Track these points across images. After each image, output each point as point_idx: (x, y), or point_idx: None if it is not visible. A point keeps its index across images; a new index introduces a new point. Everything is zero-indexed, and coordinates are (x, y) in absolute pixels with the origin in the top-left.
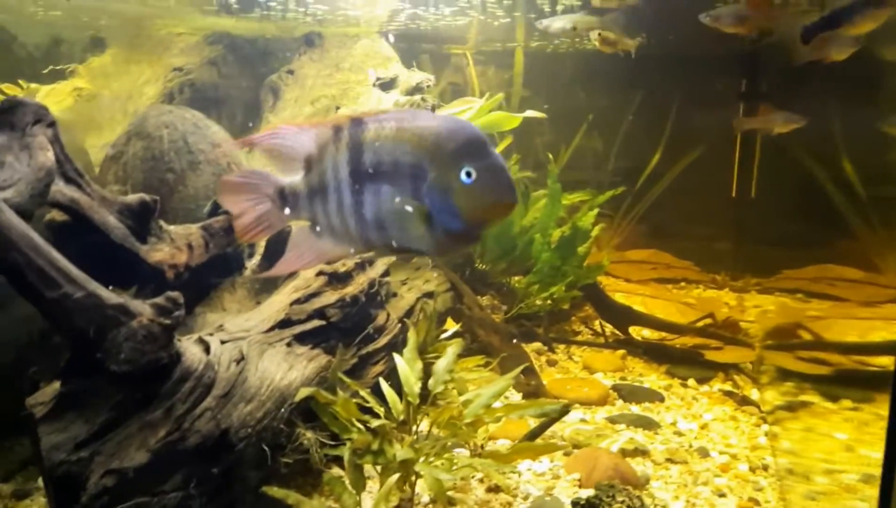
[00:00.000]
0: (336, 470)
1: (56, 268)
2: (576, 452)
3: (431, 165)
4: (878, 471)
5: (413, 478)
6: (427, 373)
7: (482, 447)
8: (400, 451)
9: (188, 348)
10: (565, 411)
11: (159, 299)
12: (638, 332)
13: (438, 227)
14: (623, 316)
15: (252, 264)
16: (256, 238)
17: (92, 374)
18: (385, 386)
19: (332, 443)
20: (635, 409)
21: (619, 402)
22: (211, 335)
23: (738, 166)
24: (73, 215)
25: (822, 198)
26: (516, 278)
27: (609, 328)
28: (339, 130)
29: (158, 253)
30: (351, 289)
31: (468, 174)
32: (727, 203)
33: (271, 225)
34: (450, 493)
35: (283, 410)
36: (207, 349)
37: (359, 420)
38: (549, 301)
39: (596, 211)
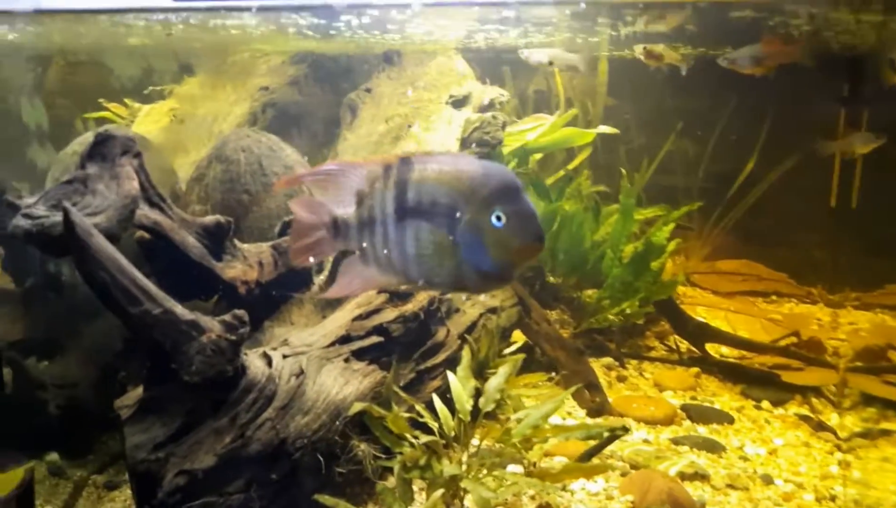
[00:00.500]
0: (391, 481)
1: (138, 287)
2: (632, 473)
3: (466, 206)
4: None
5: (462, 493)
6: (481, 390)
7: (534, 465)
8: (448, 467)
9: (253, 361)
10: (613, 437)
11: (227, 317)
12: (716, 349)
13: (470, 266)
14: (699, 333)
15: (319, 280)
16: (306, 262)
17: (169, 382)
18: (438, 402)
19: (386, 456)
20: (702, 430)
21: (687, 422)
22: (275, 349)
23: (839, 173)
24: (156, 235)
25: None
26: (587, 292)
27: (685, 344)
28: (388, 168)
29: (232, 270)
30: (411, 306)
31: (498, 218)
32: (826, 212)
33: (322, 252)
34: None
35: (337, 423)
36: (270, 363)
37: (410, 435)
38: (620, 317)
39: (671, 226)
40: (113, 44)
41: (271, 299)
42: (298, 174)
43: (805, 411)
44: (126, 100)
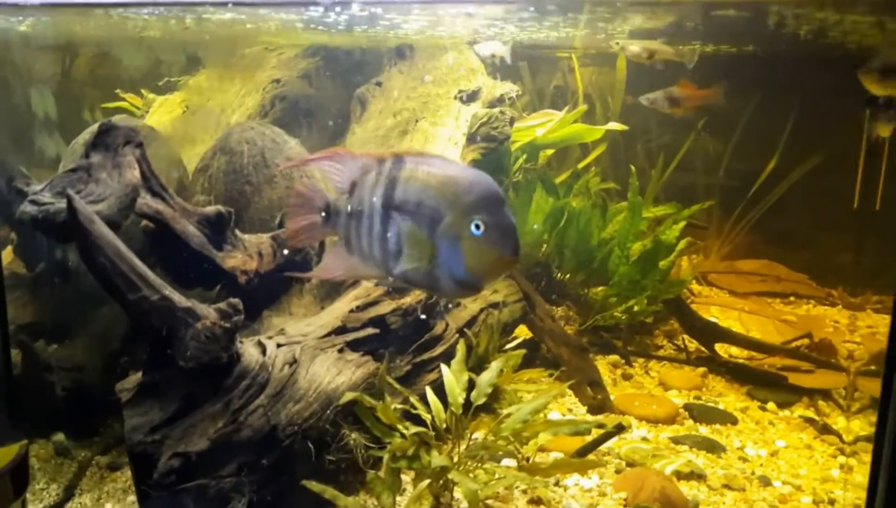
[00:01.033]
0: (382, 470)
1: (137, 273)
2: (626, 471)
3: (447, 211)
4: None
5: (451, 485)
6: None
7: (528, 459)
8: (436, 458)
9: (247, 349)
10: (608, 434)
11: (222, 305)
12: (725, 350)
13: (444, 270)
14: (708, 332)
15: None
16: (299, 244)
17: (167, 367)
18: (431, 395)
19: (377, 446)
20: (703, 430)
21: (689, 422)
22: (270, 338)
23: (862, 174)
24: (157, 224)
25: None
26: (594, 289)
27: (693, 344)
28: (382, 162)
29: (232, 260)
30: (409, 300)
31: (477, 226)
32: (849, 214)
33: (313, 236)
34: (490, 501)
35: (328, 412)
36: (264, 351)
37: (401, 426)
38: (627, 315)
39: (682, 225)
40: (122, 35)
41: (271, 290)
42: (302, 159)
43: (811, 413)
44: (142, 90)
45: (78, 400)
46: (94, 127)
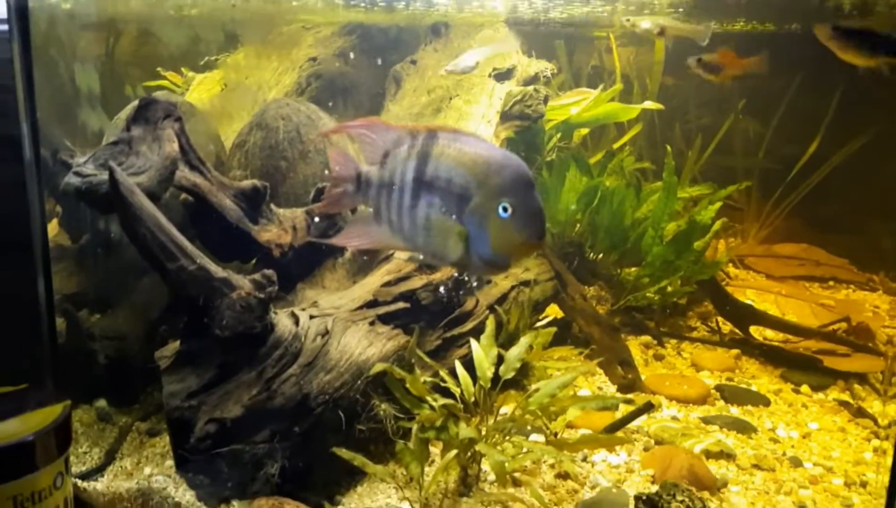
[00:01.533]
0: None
1: (175, 244)
2: (654, 448)
3: (477, 191)
4: None
5: (479, 457)
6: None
7: (556, 434)
8: (464, 430)
9: (281, 319)
10: (638, 411)
11: (257, 276)
12: (760, 332)
13: (471, 248)
14: (743, 314)
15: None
16: (332, 210)
17: (204, 336)
18: (460, 368)
19: (407, 417)
20: (735, 411)
21: (720, 403)
22: (303, 309)
23: None
24: (195, 197)
25: None
26: (627, 269)
27: (728, 326)
28: (415, 136)
29: (267, 233)
30: (439, 275)
31: (505, 209)
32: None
33: (345, 204)
34: (517, 474)
35: (359, 382)
36: (297, 322)
37: (430, 398)
38: (659, 295)
39: (717, 205)
40: (163, 14)
41: (305, 263)
42: (340, 126)
43: (846, 397)
44: (182, 68)
45: (119, 368)
46: (136, 101)
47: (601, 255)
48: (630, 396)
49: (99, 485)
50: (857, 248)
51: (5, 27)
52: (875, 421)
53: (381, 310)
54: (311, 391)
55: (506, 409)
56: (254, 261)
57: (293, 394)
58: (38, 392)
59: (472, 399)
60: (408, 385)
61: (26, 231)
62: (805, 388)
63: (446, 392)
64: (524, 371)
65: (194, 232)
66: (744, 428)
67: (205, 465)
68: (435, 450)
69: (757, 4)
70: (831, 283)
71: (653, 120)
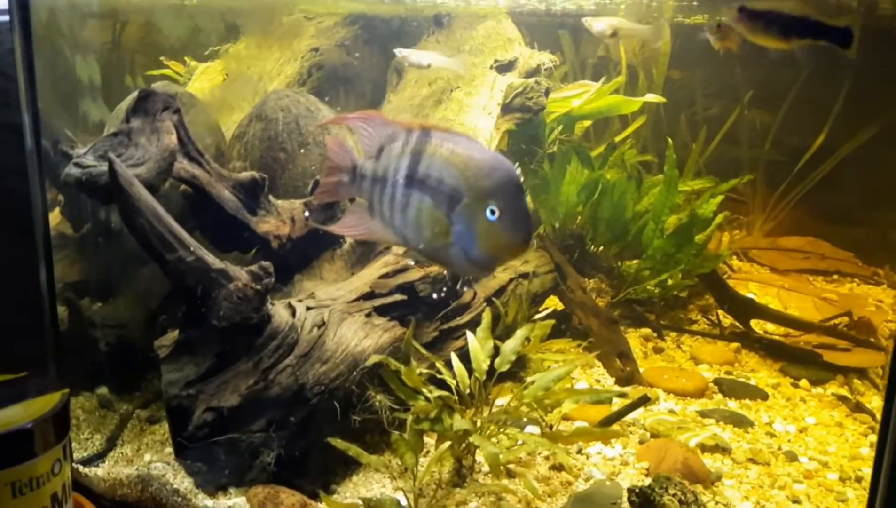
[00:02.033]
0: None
1: (173, 234)
2: (650, 441)
3: (466, 192)
4: None
5: (473, 448)
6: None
7: (551, 427)
8: (458, 421)
9: (278, 310)
10: (633, 404)
11: (254, 267)
12: (761, 326)
13: (458, 248)
14: (744, 308)
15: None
16: (327, 199)
17: (202, 326)
18: (455, 360)
19: (402, 408)
20: (732, 405)
21: (718, 396)
22: (300, 301)
23: None
24: (194, 188)
25: None
26: (628, 262)
27: (728, 319)
28: (410, 133)
29: (265, 225)
30: (436, 268)
31: (493, 211)
32: None
33: (339, 194)
34: (511, 466)
35: (354, 373)
36: (294, 313)
37: (426, 389)
38: (660, 288)
39: (719, 199)
40: (164, 4)
41: (303, 254)
42: (338, 117)
43: (844, 392)
44: (185, 58)
45: (120, 356)
46: (135, 92)
47: (602, 247)
48: (623, 390)
49: (100, 471)
50: (863, 241)
51: (6, 17)
52: (873, 416)
53: (378, 302)
54: (307, 381)
55: (502, 401)
56: (253, 251)
57: (289, 384)
58: (38, 380)
59: (468, 391)
60: (403, 377)
61: (28, 220)
62: (804, 382)
63: (442, 384)
64: (522, 364)
65: (193, 223)
66: (740, 422)
67: (203, 453)
68: (430, 441)
69: None
70: (836, 276)
71: (659, 111)
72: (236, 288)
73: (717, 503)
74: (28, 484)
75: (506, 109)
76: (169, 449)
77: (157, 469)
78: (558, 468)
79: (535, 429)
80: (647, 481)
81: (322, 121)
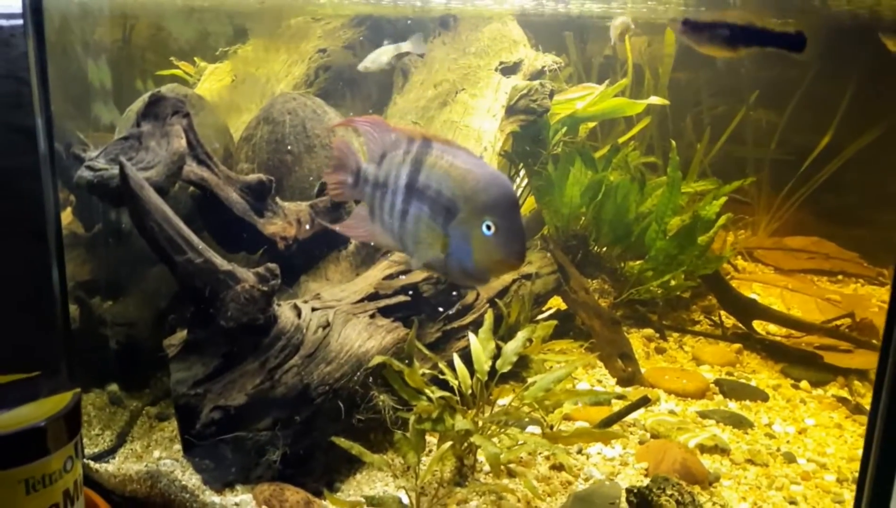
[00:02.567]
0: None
1: (182, 237)
2: (649, 442)
3: (463, 206)
4: None
5: (474, 448)
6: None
7: (551, 427)
8: (460, 422)
9: (284, 311)
10: (633, 405)
11: (260, 269)
12: (764, 327)
13: (454, 259)
14: (746, 309)
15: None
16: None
17: (209, 326)
18: (457, 361)
19: (405, 408)
20: (733, 406)
21: (718, 397)
22: (306, 302)
23: None
24: (202, 190)
25: None
26: (631, 263)
27: (731, 320)
28: (411, 142)
29: (272, 226)
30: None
31: (488, 227)
32: None
33: (343, 194)
34: (512, 465)
35: (358, 374)
36: (300, 314)
37: (428, 390)
38: (662, 289)
39: (722, 200)
40: (172, 7)
41: (309, 256)
42: (347, 119)
43: (844, 393)
44: (195, 59)
45: (130, 354)
46: (146, 96)
47: (605, 248)
48: (623, 392)
49: (110, 467)
50: (868, 242)
51: (19, 21)
52: None
53: (382, 303)
54: (311, 381)
55: (504, 401)
56: (260, 252)
57: (295, 384)
58: (50, 380)
59: (470, 392)
60: (406, 377)
61: (41, 220)
62: (804, 384)
63: (445, 384)
64: (524, 364)
65: (202, 224)
66: (740, 423)
67: (210, 450)
68: (432, 441)
69: None
70: (840, 277)
71: (665, 112)
72: (243, 290)
73: (714, 503)
74: (41, 481)
75: (510, 110)
76: (177, 446)
77: (165, 466)
78: (558, 468)
79: (537, 429)
80: (646, 481)
81: (328, 124)
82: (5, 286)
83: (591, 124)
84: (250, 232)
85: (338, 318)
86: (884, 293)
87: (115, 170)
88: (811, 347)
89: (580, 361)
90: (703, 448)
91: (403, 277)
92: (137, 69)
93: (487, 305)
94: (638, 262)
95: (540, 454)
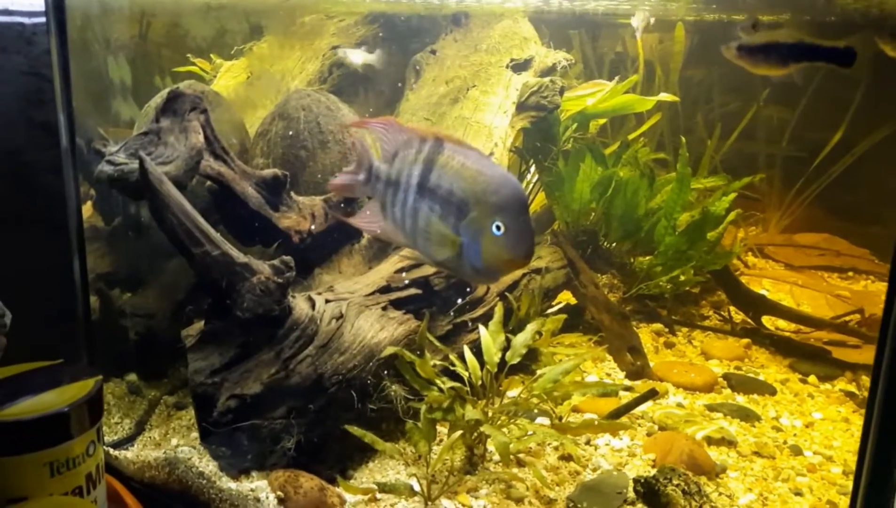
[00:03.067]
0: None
1: (200, 230)
2: (657, 433)
3: (474, 206)
4: None
5: (484, 438)
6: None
7: (560, 419)
8: (470, 412)
9: (298, 303)
10: (642, 398)
11: (276, 261)
12: (773, 323)
13: (465, 258)
14: (756, 304)
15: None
16: (342, 195)
17: (226, 317)
18: (468, 353)
19: (416, 398)
20: (740, 399)
21: (726, 391)
22: (319, 294)
23: None
24: (219, 185)
25: None
26: (640, 259)
27: (740, 315)
28: (423, 141)
29: (287, 220)
30: None
31: (498, 227)
32: None
33: (354, 191)
34: (521, 455)
35: (371, 364)
36: (314, 306)
37: (439, 380)
38: (671, 284)
39: (732, 196)
40: (190, 5)
41: (323, 249)
42: (362, 120)
43: (852, 388)
44: (212, 55)
45: (149, 344)
46: (164, 92)
47: (615, 244)
48: (630, 384)
49: (129, 454)
50: (879, 238)
51: (42, 20)
52: None
53: (394, 295)
54: (325, 371)
55: (514, 393)
56: (275, 246)
57: (309, 374)
58: (72, 367)
59: (480, 383)
60: (417, 368)
61: (63, 214)
62: (812, 378)
63: (455, 376)
64: (534, 357)
65: (218, 218)
66: (747, 416)
67: (226, 438)
68: (443, 430)
69: None
70: (850, 274)
71: (676, 108)
72: (259, 281)
73: (720, 493)
74: (65, 464)
75: (521, 107)
76: (195, 434)
77: (183, 453)
78: (567, 458)
79: (546, 421)
80: (653, 472)
81: (341, 120)
82: (28, 278)
83: (602, 121)
84: (265, 226)
85: (351, 310)
86: None
87: (135, 165)
88: (820, 342)
89: (589, 354)
90: (710, 440)
91: (415, 270)
92: (156, 66)
93: (498, 298)
94: (647, 257)
95: (549, 444)
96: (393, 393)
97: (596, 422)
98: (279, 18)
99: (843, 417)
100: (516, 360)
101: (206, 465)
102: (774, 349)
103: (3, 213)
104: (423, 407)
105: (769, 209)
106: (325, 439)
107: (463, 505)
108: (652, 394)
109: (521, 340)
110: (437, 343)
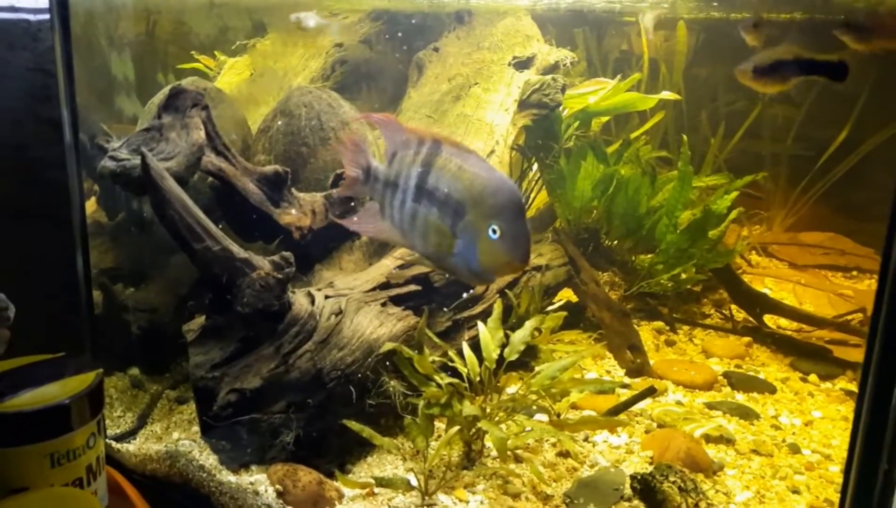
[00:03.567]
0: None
1: (201, 226)
2: (655, 431)
3: (471, 209)
4: None
5: (482, 433)
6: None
7: (559, 415)
8: (468, 407)
9: (298, 299)
10: (640, 395)
11: (276, 257)
12: (775, 321)
13: (461, 260)
14: (757, 303)
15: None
16: (343, 193)
17: (227, 312)
18: (466, 349)
19: (415, 394)
20: (740, 398)
21: (726, 389)
22: (319, 289)
23: None
24: (220, 181)
25: None
26: (642, 257)
27: (742, 313)
28: (422, 143)
29: (288, 216)
30: None
31: (494, 231)
32: None
33: (353, 190)
34: (519, 451)
35: (369, 360)
36: (313, 302)
37: (437, 376)
38: (673, 282)
39: (734, 195)
40: (194, 2)
41: (323, 245)
42: (364, 115)
43: (853, 387)
44: (216, 52)
45: (151, 339)
46: (167, 89)
47: (616, 242)
48: (628, 381)
49: (131, 447)
50: (881, 236)
51: (46, 16)
52: None
53: (394, 292)
54: (324, 366)
55: (512, 389)
56: (276, 242)
57: (308, 369)
58: (74, 360)
59: (478, 379)
60: (415, 364)
61: (66, 209)
62: (813, 377)
63: (454, 372)
64: (533, 354)
65: (220, 214)
66: (746, 415)
67: (227, 432)
68: (441, 426)
69: None
70: (854, 273)
71: (681, 107)
72: (259, 277)
73: (717, 491)
74: (65, 456)
75: (523, 104)
76: (196, 428)
77: (184, 447)
78: (565, 454)
79: (544, 417)
80: (650, 469)
81: (343, 117)
82: (32, 272)
83: (605, 119)
84: (266, 222)
85: (350, 305)
86: None
87: (137, 160)
88: (821, 341)
89: (587, 351)
90: (708, 438)
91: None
92: (159, 63)
93: (497, 296)
94: (648, 255)
95: (546, 440)
96: (391, 389)
97: (594, 419)
98: (282, 16)
99: (843, 416)
100: (514, 357)
101: (207, 458)
102: (775, 348)
103: (8, 207)
104: (421, 403)
105: (774, 208)
106: (324, 433)
107: (460, 500)
108: (650, 391)
109: (520, 337)
110: (436, 339)
